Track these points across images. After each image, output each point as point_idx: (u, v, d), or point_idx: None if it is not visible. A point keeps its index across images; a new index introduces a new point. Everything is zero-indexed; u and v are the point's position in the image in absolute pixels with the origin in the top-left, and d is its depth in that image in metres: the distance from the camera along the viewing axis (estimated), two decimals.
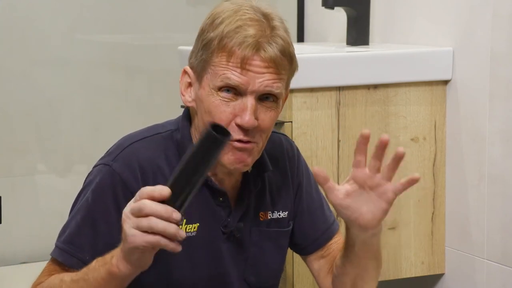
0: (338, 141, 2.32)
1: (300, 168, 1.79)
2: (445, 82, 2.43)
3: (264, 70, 1.56)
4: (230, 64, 1.55)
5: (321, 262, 1.79)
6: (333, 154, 2.32)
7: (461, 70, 2.39)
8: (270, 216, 1.73)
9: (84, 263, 1.57)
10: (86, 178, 1.66)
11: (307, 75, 2.28)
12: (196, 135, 1.64)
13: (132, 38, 2.99)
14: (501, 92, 2.27)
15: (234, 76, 1.55)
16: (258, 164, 1.68)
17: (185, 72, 1.64)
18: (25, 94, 2.82)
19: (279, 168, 1.75)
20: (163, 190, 1.36)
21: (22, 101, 2.82)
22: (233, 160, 1.58)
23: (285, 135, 1.81)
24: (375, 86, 2.35)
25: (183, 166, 1.37)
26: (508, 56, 2.25)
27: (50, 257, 1.65)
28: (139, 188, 1.57)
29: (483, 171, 2.34)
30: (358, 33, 2.61)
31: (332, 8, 2.58)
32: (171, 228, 1.36)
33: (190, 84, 1.63)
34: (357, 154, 1.53)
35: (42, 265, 2.78)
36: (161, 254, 1.60)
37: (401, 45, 2.58)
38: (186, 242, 1.61)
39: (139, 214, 1.37)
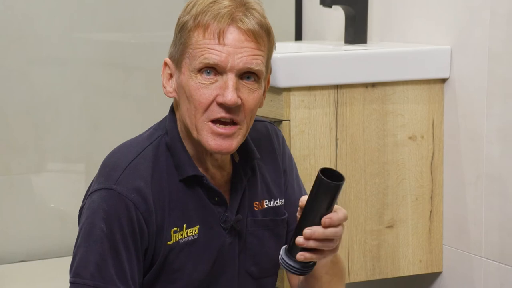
0: (336, 139, 2.32)
1: (285, 156, 1.78)
2: (443, 80, 2.43)
3: (244, 44, 1.54)
4: (206, 39, 1.54)
5: None
6: (331, 152, 2.32)
7: (459, 68, 2.39)
8: (266, 204, 1.72)
9: None
10: (86, 205, 1.59)
11: (305, 73, 2.28)
12: (182, 129, 1.63)
13: (130, 37, 2.99)
14: (499, 90, 2.27)
15: (212, 55, 1.53)
16: (245, 153, 1.67)
17: (165, 64, 1.63)
18: (23, 93, 2.82)
19: (269, 155, 1.74)
20: None
21: (20, 100, 2.81)
22: (214, 146, 1.57)
23: (270, 122, 1.79)
24: (373, 85, 2.35)
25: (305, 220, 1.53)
26: (506, 55, 2.25)
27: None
28: (148, 209, 1.56)
29: (481, 170, 2.34)
30: (356, 31, 2.61)
31: (330, 6, 2.58)
32: None
33: (171, 76, 1.62)
34: None
35: (40, 264, 2.80)
36: (167, 264, 1.60)
37: (399, 43, 2.58)
38: (188, 246, 1.61)
39: None
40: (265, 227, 1.72)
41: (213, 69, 1.55)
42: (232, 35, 1.54)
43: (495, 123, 2.29)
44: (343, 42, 2.66)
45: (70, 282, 1.56)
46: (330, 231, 1.52)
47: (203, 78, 1.55)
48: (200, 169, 1.64)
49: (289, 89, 2.26)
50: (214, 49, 1.54)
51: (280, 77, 2.23)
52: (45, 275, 2.66)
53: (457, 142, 2.41)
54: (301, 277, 1.73)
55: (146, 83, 3.00)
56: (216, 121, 1.56)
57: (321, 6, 2.59)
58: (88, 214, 1.57)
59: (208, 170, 1.65)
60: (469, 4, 2.34)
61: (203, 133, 1.57)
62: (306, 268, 1.55)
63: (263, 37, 1.57)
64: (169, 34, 3.12)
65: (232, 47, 1.53)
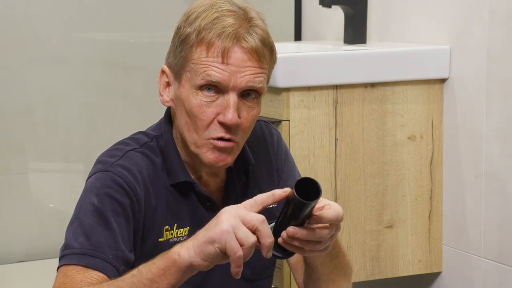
0: (336, 139, 2.32)
1: (279, 154, 1.76)
2: (442, 80, 2.43)
3: (247, 64, 1.53)
4: (210, 57, 1.52)
5: (295, 256, 1.76)
6: (330, 152, 2.32)
7: (458, 68, 2.39)
8: None
9: (108, 262, 1.51)
10: (83, 191, 1.59)
11: (304, 73, 2.28)
12: (178, 137, 1.62)
13: (129, 36, 2.99)
14: (498, 90, 2.27)
15: (215, 73, 1.52)
16: (240, 159, 1.66)
17: (163, 71, 1.61)
18: (22, 92, 2.81)
19: (263, 157, 1.73)
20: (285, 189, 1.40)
21: (19, 99, 2.81)
22: (213, 159, 1.56)
23: (265, 122, 1.78)
24: (372, 85, 2.35)
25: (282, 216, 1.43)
26: (505, 55, 2.25)
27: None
28: (141, 191, 1.56)
29: (480, 169, 2.34)
30: (355, 31, 2.61)
31: (329, 6, 2.58)
32: (251, 252, 1.36)
33: (168, 84, 1.60)
34: None
35: (40, 264, 2.79)
36: None
37: (398, 43, 2.58)
38: None
39: (247, 222, 1.35)
40: None
41: (215, 87, 1.54)
42: (236, 54, 1.52)
43: (495, 123, 2.29)
44: (342, 42, 2.66)
45: (59, 257, 1.53)
46: (315, 234, 1.44)
47: (204, 96, 1.54)
48: (193, 176, 1.63)
49: (288, 89, 2.26)
50: (217, 67, 1.52)
51: (280, 77, 2.23)
52: (45, 275, 2.64)
53: (456, 142, 2.41)
54: (304, 271, 1.73)
55: (145, 83, 3.00)
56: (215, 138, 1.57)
57: (321, 6, 2.59)
58: (81, 195, 1.58)
59: (202, 177, 1.64)
60: (468, 4, 2.34)
61: (203, 148, 1.57)
62: (284, 256, 1.51)
63: (266, 55, 1.56)
64: (169, 34, 3.12)
65: (235, 66, 1.52)
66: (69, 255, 1.52)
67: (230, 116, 1.53)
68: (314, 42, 2.85)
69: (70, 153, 2.90)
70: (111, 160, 1.58)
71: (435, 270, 2.49)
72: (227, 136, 1.55)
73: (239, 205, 1.38)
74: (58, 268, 1.53)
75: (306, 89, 2.28)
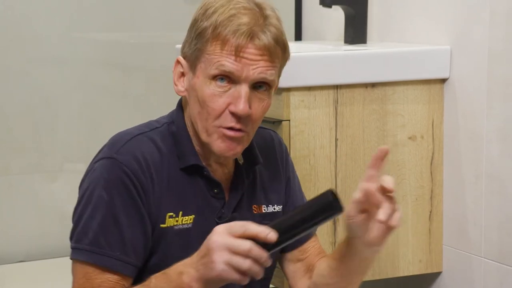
0: (336, 139, 2.32)
1: (288, 163, 1.81)
2: (443, 80, 2.43)
3: (258, 58, 1.57)
4: (224, 52, 1.57)
5: (297, 265, 1.79)
6: (330, 153, 2.32)
7: (459, 68, 2.39)
8: (264, 210, 1.74)
9: (116, 259, 1.57)
10: (88, 174, 1.63)
11: (304, 73, 2.28)
12: (189, 125, 1.66)
13: (129, 36, 2.99)
14: (498, 90, 2.28)
15: (229, 63, 1.56)
16: (249, 157, 1.71)
17: (178, 62, 1.65)
18: (23, 93, 2.82)
19: (270, 162, 1.77)
20: (271, 236, 1.41)
21: (19, 100, 2.81)
22: (223, 148, 1.60)
23: (274, 131, 1.83)
24: (373, 85, 2.35)
25: (292, 218, 1.44)
26: (505, 55, 2.25)
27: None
28: (145, 178, 1.59)
29: (481, 170, 2.34)
30: (355, 31, 2.61)
31: (330, 6, 2.58)
32: (258, 271, 1.42)
33: (183, 74, 1.65)
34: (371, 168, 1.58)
35: (40, 264, 2.79)
36: (159, 248, 1.62)
37: (398, 43, 2.58)
38: (182, 234, 1.62)
39: (237, 252, 1.40)
40: None
41: (228, 77, 1.58)
42: (249, 50, 1.57)
43: (495, 123, 2.29)
44: (342, 42, 2.66)
45: (71, 248, 1.60)
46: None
47: (217, 85, 1.58)
48: (203, 162, 1.66)
49: (288, 89, 2.26)
50: (230, 59, 1.57)
51: (280, 77, 2.23)
52: (45, 275, 2.66)
53: (457, 142, 2.41)
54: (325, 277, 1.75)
55: (145, 83, 3.00)
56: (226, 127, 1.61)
57: (321, 6, 2.59)
58: (89, 183, 1.61)
59: (210, 166, 1.67)
60: (469, 4, 2.34)
61: (214, 136, 1.61)
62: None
63: (278, 53, 1.60)
64: (169, 34, 3.12)
65: (247, 59, 1.57)
66: (80, 250, 1.58)
67: (241, 107, 1.57)
68: (314, 42, 2.85)
69: (70, 153, 2.90)
70: (118, 145, 1.62)
71: (435, 270, 2.49)
72: (238, 126, 1.59)
73: (226, 228, 1.43)
74: (72, 259, 1.60)
75: (307, 89, 2.28)
